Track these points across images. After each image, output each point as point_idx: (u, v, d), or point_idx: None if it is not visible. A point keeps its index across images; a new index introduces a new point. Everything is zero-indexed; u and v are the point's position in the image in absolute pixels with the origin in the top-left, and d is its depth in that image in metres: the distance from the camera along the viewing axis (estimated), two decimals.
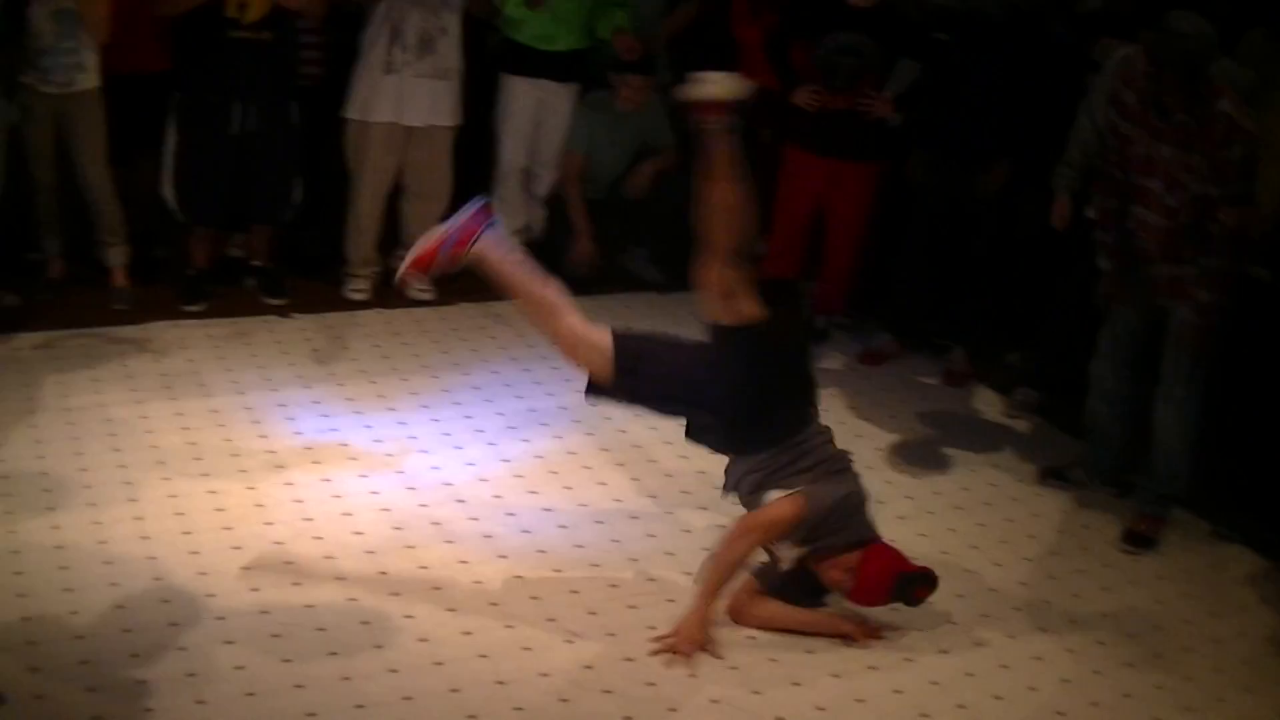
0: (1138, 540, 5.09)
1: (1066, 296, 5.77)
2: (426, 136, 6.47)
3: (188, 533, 4.52)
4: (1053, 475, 5.48)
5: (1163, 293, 4.90)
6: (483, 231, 4.23)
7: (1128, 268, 4.99)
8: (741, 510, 4.28)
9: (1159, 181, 4.75)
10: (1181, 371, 4.93)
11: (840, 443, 4.16)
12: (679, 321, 6.59)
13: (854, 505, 4.20)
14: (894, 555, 4.22)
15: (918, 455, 5.61)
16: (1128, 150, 4.82)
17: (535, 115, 6.84)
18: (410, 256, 4.27)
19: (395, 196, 6.67)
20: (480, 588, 4.40)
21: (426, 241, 4.25)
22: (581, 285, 6.88)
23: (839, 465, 4.23)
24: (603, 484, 5.16)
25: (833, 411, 5.87)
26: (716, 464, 5.26)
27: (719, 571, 4.18)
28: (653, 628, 4.25)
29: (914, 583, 4.21)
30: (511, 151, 6.88)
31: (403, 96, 6.33)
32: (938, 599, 4.52)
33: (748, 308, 4.06)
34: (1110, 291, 5.12)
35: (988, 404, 6.17)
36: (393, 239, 6.71)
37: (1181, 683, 4.30)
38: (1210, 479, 5.32)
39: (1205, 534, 5.21)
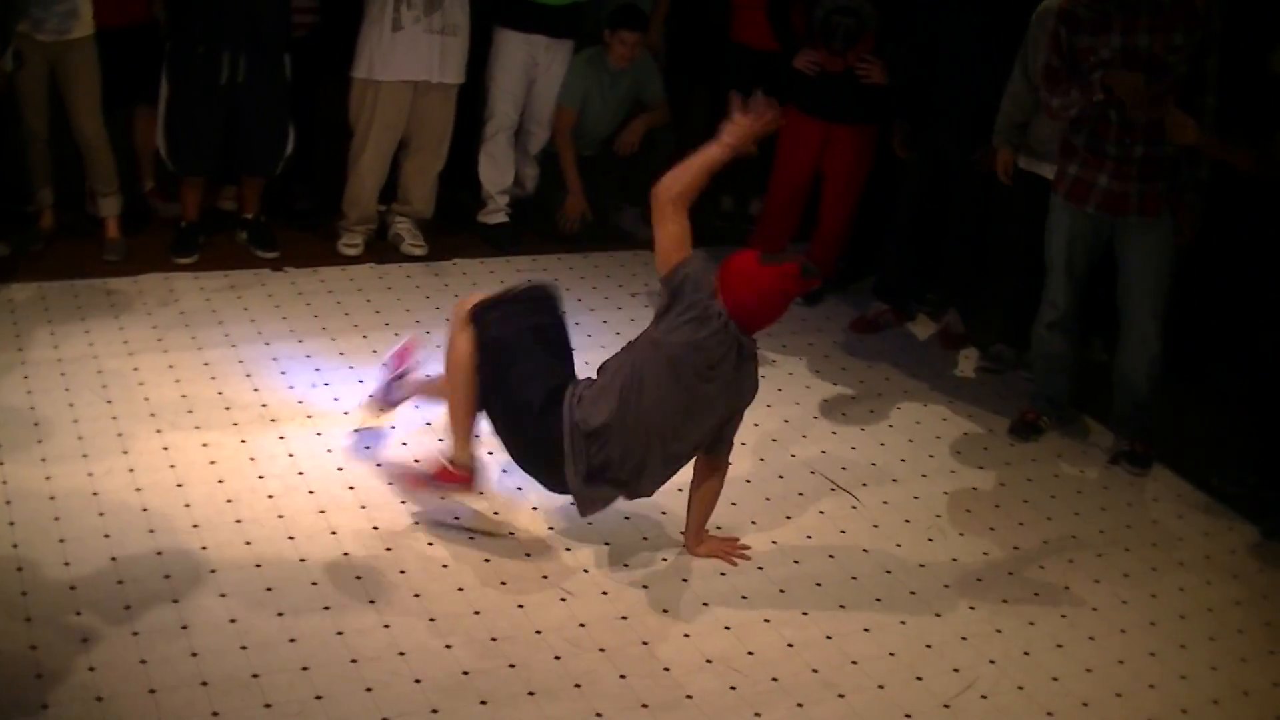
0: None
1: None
2: (433, 92, 6.39)
3: (180, 485, 4.52)
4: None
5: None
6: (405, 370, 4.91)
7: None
8: None
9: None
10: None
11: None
12: None
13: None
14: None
15: (910, 417, 5.61)
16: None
17: (528, 71, 6.75)
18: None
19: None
20: (474, 543, 4.40)
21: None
22: (573, 242, 6.93)
23: None
24: None
25: (826, 375, 5.89)
26: None
27: None
28: (646, 587, 4.28)
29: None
30: (503, 107, 6.76)
31: (411, 53, 6.23)
32: (931, 560, 4.55)
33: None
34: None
35: (974, 362, 6.21)
36: (387, 193, 6.68)
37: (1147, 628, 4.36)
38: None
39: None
